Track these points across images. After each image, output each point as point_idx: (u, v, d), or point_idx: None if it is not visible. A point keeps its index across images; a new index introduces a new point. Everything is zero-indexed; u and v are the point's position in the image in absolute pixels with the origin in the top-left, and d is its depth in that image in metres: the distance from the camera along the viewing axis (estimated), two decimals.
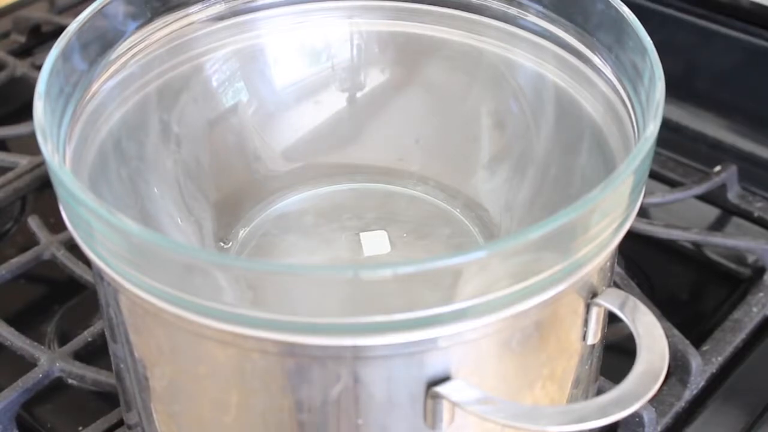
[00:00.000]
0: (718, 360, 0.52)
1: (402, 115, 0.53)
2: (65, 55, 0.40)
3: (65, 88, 0.41)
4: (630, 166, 0.35)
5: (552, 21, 0.47)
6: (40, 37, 0.79)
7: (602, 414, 0.35)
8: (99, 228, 0.35)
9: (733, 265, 0.60)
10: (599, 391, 0.45)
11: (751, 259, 0.59)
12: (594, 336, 0.40)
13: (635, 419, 0.48)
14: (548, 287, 0.35)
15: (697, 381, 0.51)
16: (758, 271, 0.58)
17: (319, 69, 0.53)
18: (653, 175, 0.64)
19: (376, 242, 0.50)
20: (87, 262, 0.47)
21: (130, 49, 0.46)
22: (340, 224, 0.51)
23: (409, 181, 0.53)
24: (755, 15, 0.65)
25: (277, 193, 0.52)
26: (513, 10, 0.48)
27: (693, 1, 0.68)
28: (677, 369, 0.51)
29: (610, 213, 0.35)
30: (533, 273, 0.34)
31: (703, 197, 0.63)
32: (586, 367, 0.42)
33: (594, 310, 0.39)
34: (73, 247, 0.58)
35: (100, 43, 0.43)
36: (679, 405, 0.51)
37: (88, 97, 0.43)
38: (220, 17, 0.49)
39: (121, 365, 0.41)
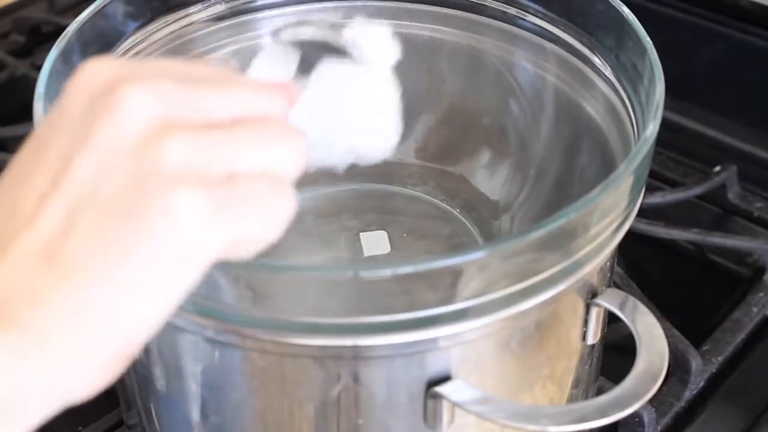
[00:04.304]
0: (718, 360, 0.52)
1: (402, 115, 0.53)
2: (65, 56, 0.40)
3: None
4: (630, 166, 0.35)
5: (552, 21, 0.47)
6: (40, 37, 0.79)
7: (602, 414, 0.35)
8: None
9: (733, 265, 0.59)
10: (599, 391, 0.45)
11: (751, 259, 0.59)
12: (594, 336, 0.40)
13: (635, 419, 0.48)
14: (548, 287, 0.35)
15: (697, 381, 0.51)
16: (758, 271, 0.58)
17: None
18: (653, 175, 0.64)
19: (376, 242, 0.50)
20: None
21: (130, 49, 0.46)
22: (340, 224, 0.51)
23: (409, 181, 0.53)
24: (755, 15, 0.65)
25: None
26: (513, 10, 0.48)
27: (693, 1, 0.68)
28: (677, 369, 0.51)
29: (610, 213, 0.35)
30: (533, 273, 0.34)
31: (703, 197, 0.63)
32: (586, 367, 0.42)
33: (594, 310, 0.39)
34: None
35: (100, 43, 0.43)
36: (679, 405, 0.51)
37: None
38: (220, 17, 0.49)
39: None
